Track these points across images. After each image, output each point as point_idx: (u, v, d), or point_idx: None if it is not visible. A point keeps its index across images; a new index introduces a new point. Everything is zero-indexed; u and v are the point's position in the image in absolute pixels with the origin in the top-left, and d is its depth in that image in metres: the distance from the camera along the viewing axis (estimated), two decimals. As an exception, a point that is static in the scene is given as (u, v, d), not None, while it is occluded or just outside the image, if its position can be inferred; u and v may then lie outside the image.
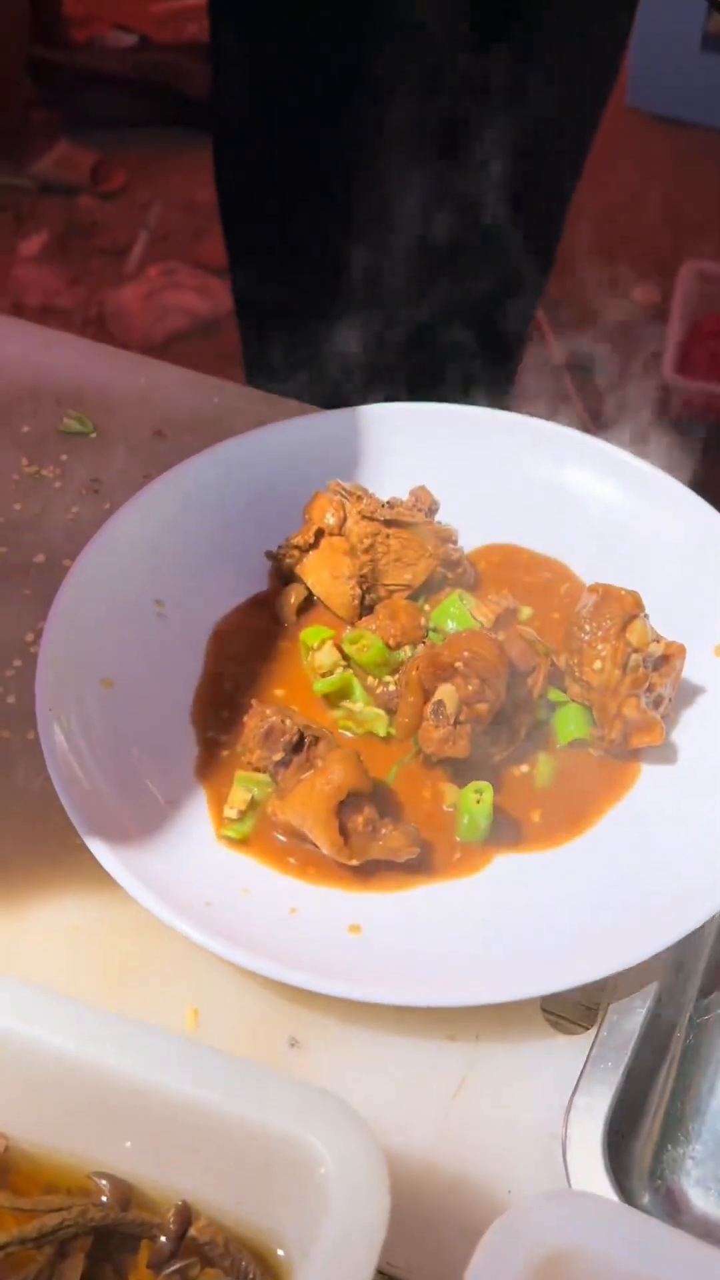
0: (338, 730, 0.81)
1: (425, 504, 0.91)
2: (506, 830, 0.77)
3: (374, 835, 0.72)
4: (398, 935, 0.71)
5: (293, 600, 0.88)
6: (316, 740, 0.74)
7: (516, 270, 1.60)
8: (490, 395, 1.80)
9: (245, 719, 0.78)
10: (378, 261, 1.39)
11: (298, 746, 0.74)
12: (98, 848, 0.71)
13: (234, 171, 1.35)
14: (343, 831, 0.71)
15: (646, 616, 0.80)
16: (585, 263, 2.81)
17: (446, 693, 0.75)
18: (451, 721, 0.75)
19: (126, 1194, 0.61)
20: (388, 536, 0.87)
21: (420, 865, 0.75)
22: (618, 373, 2.55)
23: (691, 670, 0.82)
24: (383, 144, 1.27)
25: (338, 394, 1.44)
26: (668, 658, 0.80)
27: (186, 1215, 0.60)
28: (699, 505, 0.89)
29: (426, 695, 0.77)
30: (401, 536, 0.87)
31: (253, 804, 0.76)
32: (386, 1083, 0.69)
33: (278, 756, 0.74)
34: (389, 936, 0.71)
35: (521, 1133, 0.67)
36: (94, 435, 1.02)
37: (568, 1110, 0.65)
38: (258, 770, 0.76)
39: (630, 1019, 0.69)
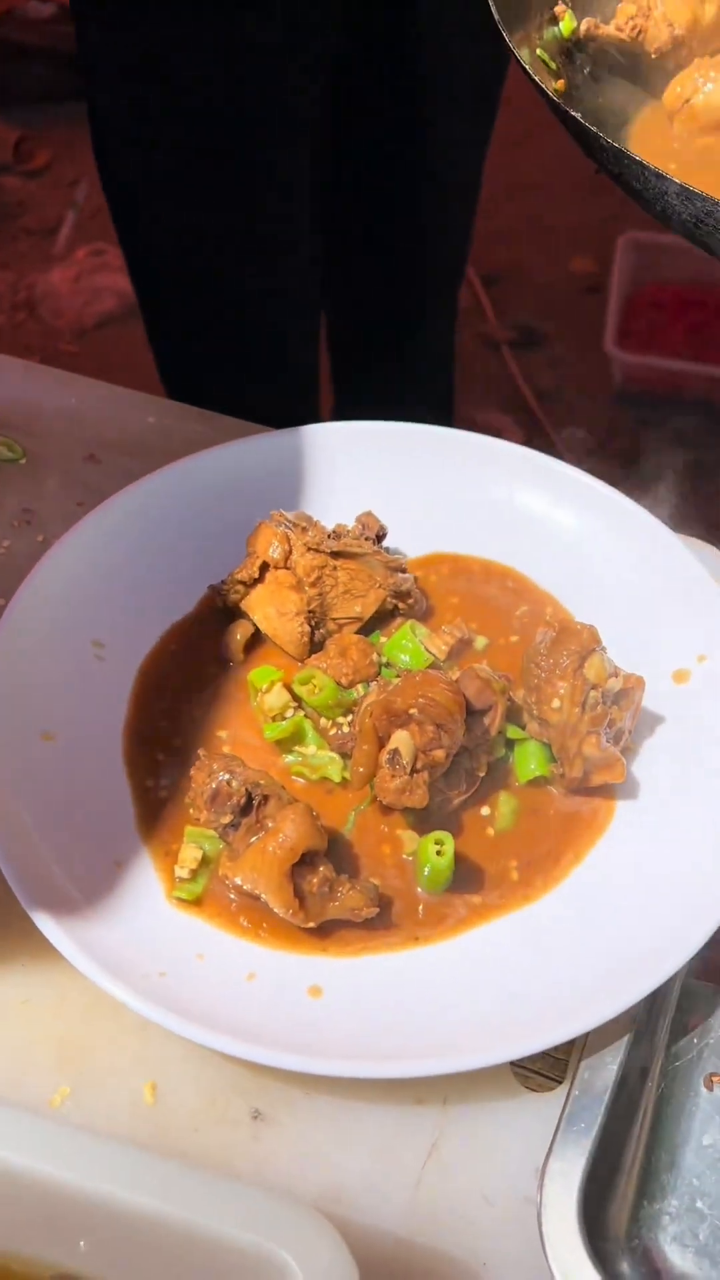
0: (290, 777, 0.78)
1: (373, 530, 0.87)
2: (469, 878, 0.75)
3: (330, 895, 0.69)
4: (360, 996, 0.69)
5: (239, 637, 0.85)
6: (265, 799, 0.71)
7: (433, 245, 1.54)
8: (431, 375, 1.76)
9: (192, 772, 0.75)
10: (278, 249, 1.33)
11: (245, 808, 0.71)
12: (44, 922, 0.68)
13: (115, 166, 1.28)
14: (298, 893, 0.68)
15: (604, 650, 0.77)
16: (522, 234, 2.76)
17: (402, 741, 0.72)
18: (408, 770, 0.72)
19: (87, 1297, 0.58)
20: (335, 568, 0.84)
21: (382, 919, 0.72)
22: (559, 347, 2.52)
23: (650, 697, 0.80)
24: (269, 123, 1.21)
25: (250, 389, 1.40)
26: (627, 691, 0.77)
27: (151, 1317, 0.57)
28: (654, 525, 0.87)
29: (381, 743, 0.74)
30: (349, 568, 0.84)
31: (204, 861, 0.73)
32: (355, 1153, 0.66)
33: (225, 820, 0.71)
34: (351, 998, 0.69)
35: (494, 1199, 0.65)
36: (24, 461, 0.97)
37: (541, 1175, 0.63)
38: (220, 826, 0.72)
39: (602, 1075, 0.67)
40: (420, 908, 0.73)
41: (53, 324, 2.58)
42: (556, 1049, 0.69)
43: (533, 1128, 0.67)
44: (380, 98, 1.31)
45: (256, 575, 0.84)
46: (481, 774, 0.77)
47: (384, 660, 0.82)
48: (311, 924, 0.69)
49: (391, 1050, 0.65)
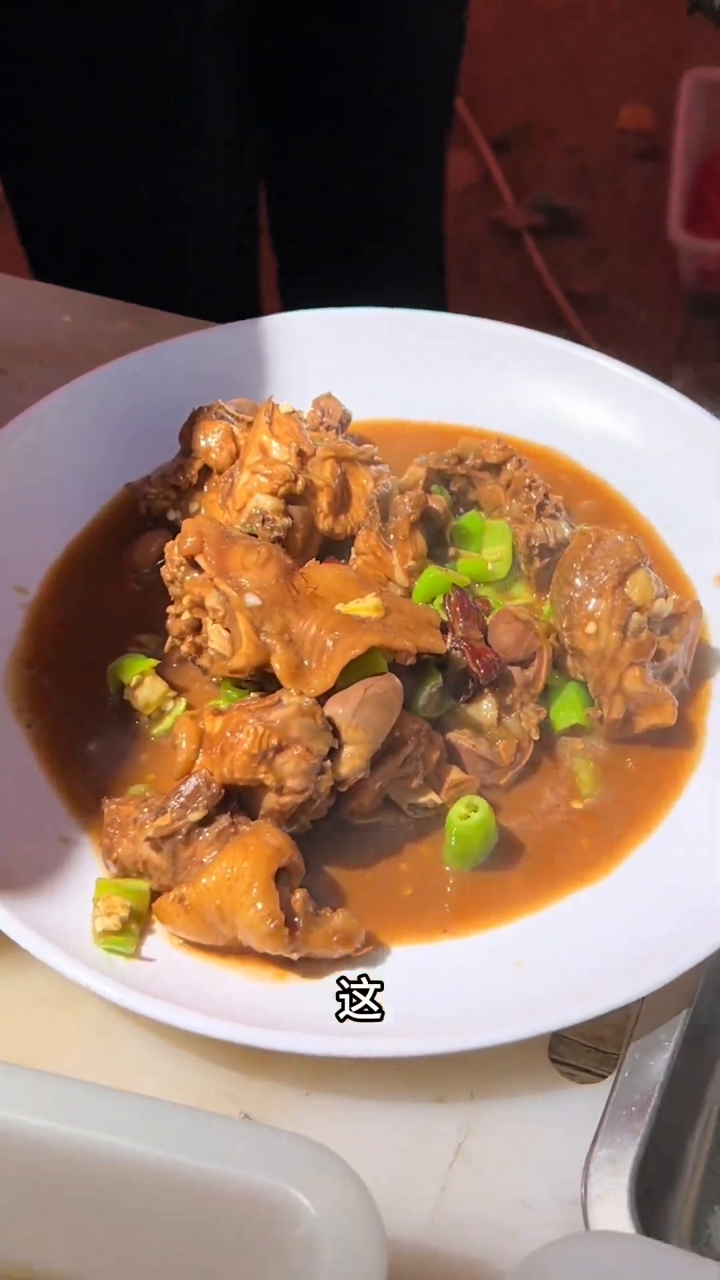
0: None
1: (335, 416, 1.09)
2: (512, 850, 0.95)
3: (317, 918, 0.88)
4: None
5: (155, 551, 1.05)
6: (241, 805, 0.91)
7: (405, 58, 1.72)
8: (418, 269, 1.92)
9: (107, 808, 0.94)
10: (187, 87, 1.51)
11: (224, 804, 0.90)
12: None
13: None
14: (283, 907, 0.87)
15: (650, 566, 0.98)
16: (550, 76, 2.95)
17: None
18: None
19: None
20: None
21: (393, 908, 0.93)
22: (603, 234, 2.71)
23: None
24: None
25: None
26: (679, 617, 0.98)
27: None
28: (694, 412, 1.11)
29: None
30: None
31: (133, 916, 0.90)
32: (365, 1159, 0.83)
33: (196, 816, 0.89)
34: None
35: (533, 1202, 0.84)
36: None
37: (586, 1166, 0.83)
38: (158, 837, 0.89)
39: (657, 1056, 0.86)
40: (448, 888, 0.94)
41: None
42: (603, 1040, 0.89)
43: (577, 1122, 0.86)
44: None
45: (194, 480, 1.05)
46: (536, 737, 0.98)
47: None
48: (297, 953, 0.88)
49: (404, 1027, 0.85)
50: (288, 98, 1.67)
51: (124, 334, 1.20)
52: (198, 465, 1.06)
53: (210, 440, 1.05)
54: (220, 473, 1.05)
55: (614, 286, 2.63)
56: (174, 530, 1.05)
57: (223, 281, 1.66)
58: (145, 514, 1.08)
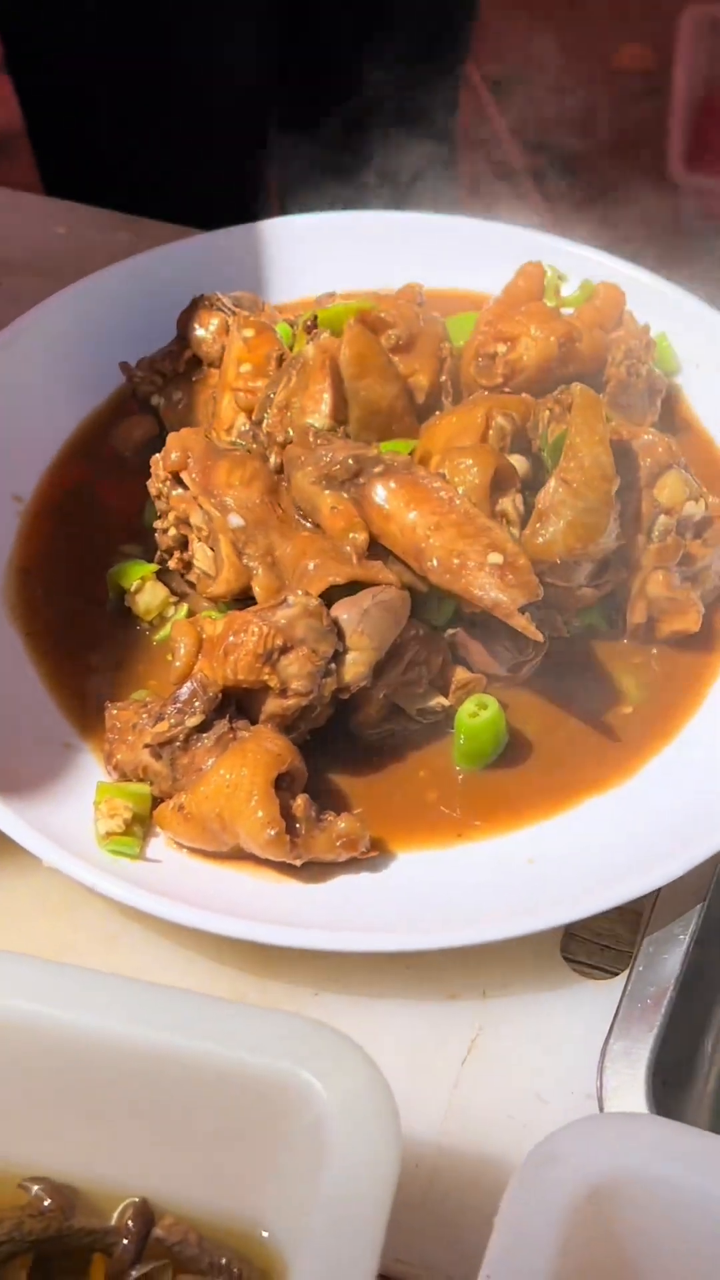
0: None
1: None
2: (520, 751, 0.94)
3: (319, 823, 0.87)
4: (375, 876, 0.88)
5: (137, 436, 1.05)
6: (239, 709, 0.90)
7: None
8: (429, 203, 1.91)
9: (109, 712, 0.93)
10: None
11: (221, 709, 0.89)
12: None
13: None
14: (284, 814, 0.86)
15: (685, 468, 0.96)
16: (546, 14, 2.93)
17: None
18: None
19: (70, 1199, 0.76)
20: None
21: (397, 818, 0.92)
22: (603, 173, 2.69)
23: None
24: None
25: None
26: (713, 521, 0.96)
27: (147, 1214, 0.75)
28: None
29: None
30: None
31: (137, 818, 0.89)
32: (377, 1057, 0.83)
33: (194, 721, 0.88)
34: (357, 880, 0.88)
35: (548, 1096, 0.83)
36: None
37: (601, 1059, 0.82)
38: (156, 744, 0.89)
39: (672, 950, 0.85)
40: (461, 791, 0.93)
41: None
42: (617, 938, 0.88)
43: (591, 1018, 0.85)
44: None
45: (181, 369, 1.04)
46: (563, 634, 0.97)
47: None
48: (300, 859, 0.87)
49: (414, 923, 0.84)
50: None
51: (123, 245, 1.19)
52: (187, 355, 1.05)
53: (204, 331, 1.05)
54: (209, 365, 1.05)
55: (615, 224, 2.60)
56: (157, 415, 1.06)
57: (227, 195, 1.65)
58: (133, 396, 1.09)
